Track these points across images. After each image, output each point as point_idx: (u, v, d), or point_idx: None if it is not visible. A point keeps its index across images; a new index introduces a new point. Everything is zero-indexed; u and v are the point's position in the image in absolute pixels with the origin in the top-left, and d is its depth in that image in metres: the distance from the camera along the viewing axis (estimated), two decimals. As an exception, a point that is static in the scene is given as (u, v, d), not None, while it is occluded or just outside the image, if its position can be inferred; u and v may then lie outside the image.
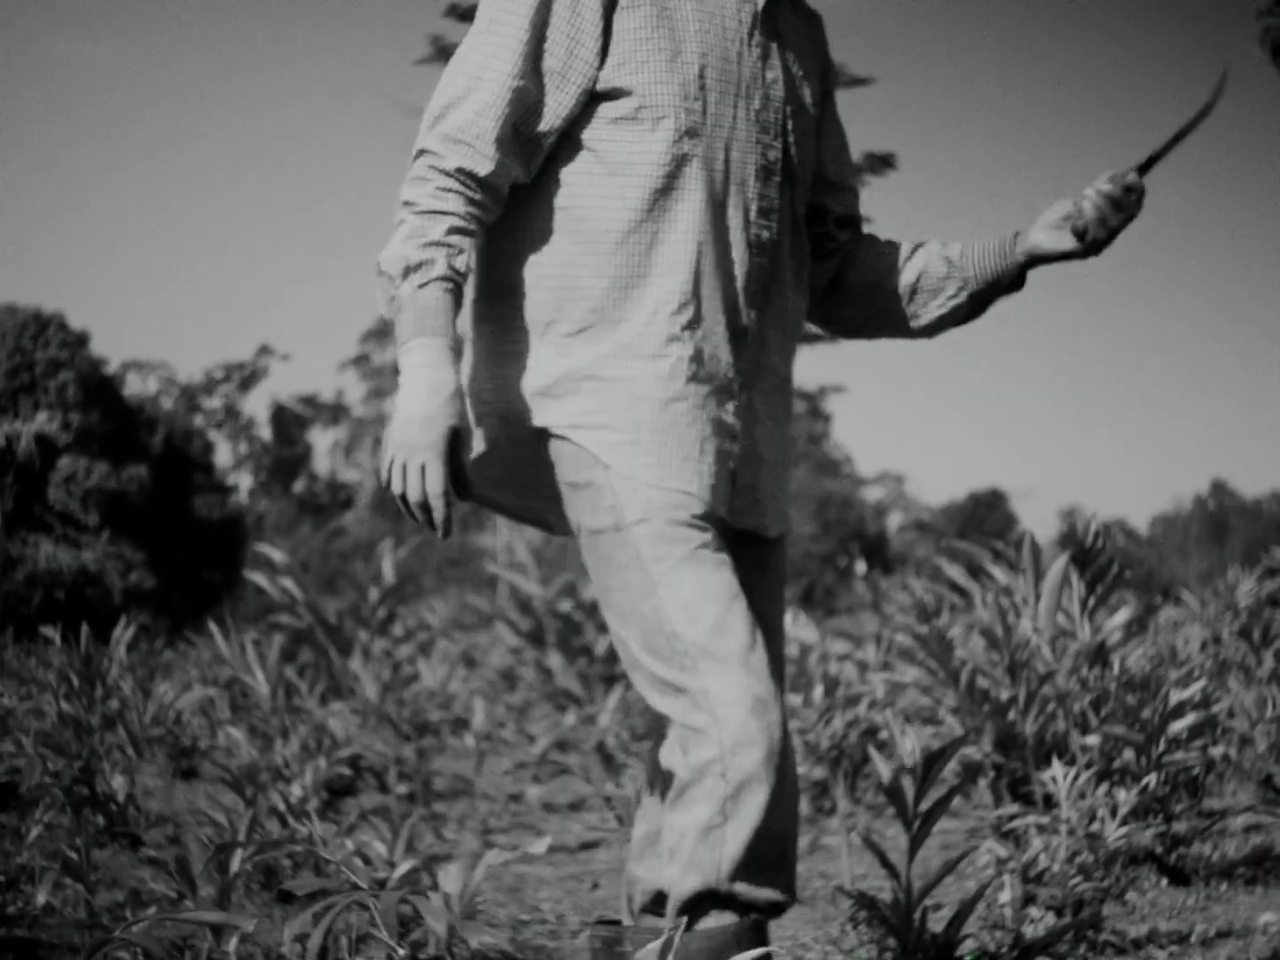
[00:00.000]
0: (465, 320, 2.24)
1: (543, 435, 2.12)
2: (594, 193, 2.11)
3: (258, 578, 7.31)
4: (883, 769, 2.81)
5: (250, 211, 79.83)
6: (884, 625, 8.11)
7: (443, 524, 2.02)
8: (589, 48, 2.09)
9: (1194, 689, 3.78)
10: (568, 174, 2.13)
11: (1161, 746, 3.73)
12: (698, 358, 2.10)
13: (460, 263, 2.06)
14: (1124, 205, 2.23)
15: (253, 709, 5.94)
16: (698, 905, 1.99)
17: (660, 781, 2.20)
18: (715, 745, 1.97)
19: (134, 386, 45.07)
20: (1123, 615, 4.13)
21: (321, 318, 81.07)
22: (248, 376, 52.62)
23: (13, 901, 3.33)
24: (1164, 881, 3.61)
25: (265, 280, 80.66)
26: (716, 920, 1.99)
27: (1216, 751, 4.31)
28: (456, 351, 2.07)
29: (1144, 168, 2.26)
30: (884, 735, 5.02)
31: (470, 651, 10.26)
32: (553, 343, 2.11)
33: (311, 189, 79.49)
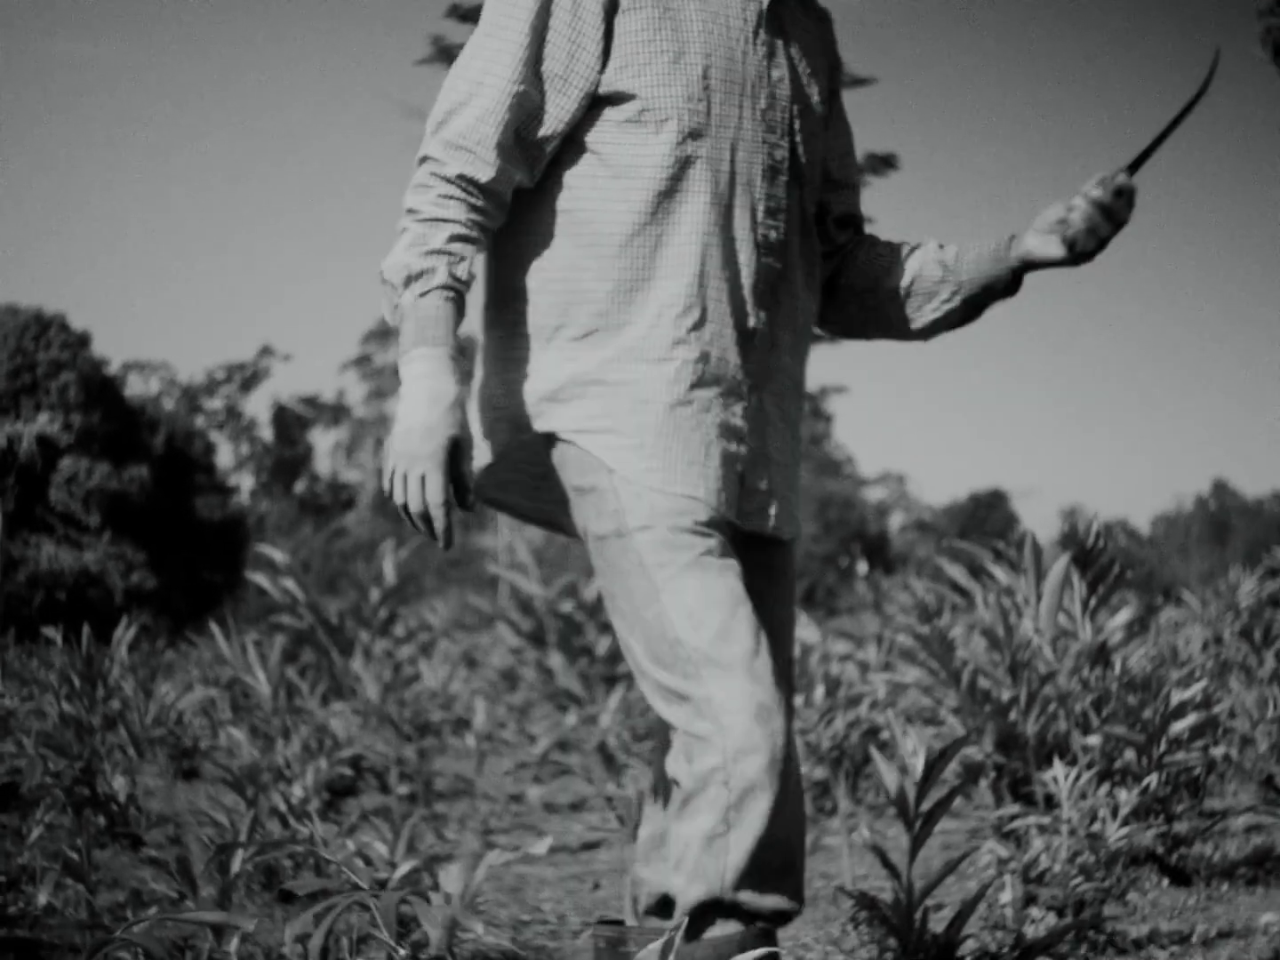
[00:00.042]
0: (476, 325, 2.25)
1: (550, 440, 2.12)
2: (597, 196, 2.10)
3: (259, 578, 7.31)
4: (884, 769, 2.81)
5: (251, 212, 79.88)
6: (885, 625, 8.11)
7: (443, 534, 2.02)
8: (590, 51, 2.08)
9: (1195, 689, 3.78)
10: (571, 177, 2.12)
11: (1163, 747, 3.73)
12: (704, 360, 2.09)
13: (462, 270, 2.06)
14: (1114, 211, 2.21)
15: (254, 709, 5.94)
16: (703, 915, 1.98)
17: (665, 785, 2.20)
18: (719, 753, 1.96)
19: (135, 387, 45.10)
20: (1124, 615, 4.13)
21: (323, 318, 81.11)
22: (249, 377, 52.63)
23: (14, 902, 3.33)
24: (1165, 882, 3.61)
25: (266, 281, 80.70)
26: (722, 929, 1.98)
27: (1218, 752, 4.31)
28: (458, 360, 2.07)
29: (1134, 166, 2.23)
30: (885, 736, 5.02)
31: (471, 652, 10.26)
32: (559, 347, 2.11)
33: (312, 189, 79.54)
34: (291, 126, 77.48)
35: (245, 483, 50.70)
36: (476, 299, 2.21)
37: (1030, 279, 2.30)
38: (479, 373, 2.22)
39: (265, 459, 52.37)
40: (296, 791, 4.23)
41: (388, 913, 2.23)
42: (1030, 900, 3.22)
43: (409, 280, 2.05)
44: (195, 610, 20.94)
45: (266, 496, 49.15)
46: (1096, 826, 3.44)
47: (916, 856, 2.77)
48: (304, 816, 3.85)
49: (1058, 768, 3.51)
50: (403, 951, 2.36)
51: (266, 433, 52.90)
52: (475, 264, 2.10)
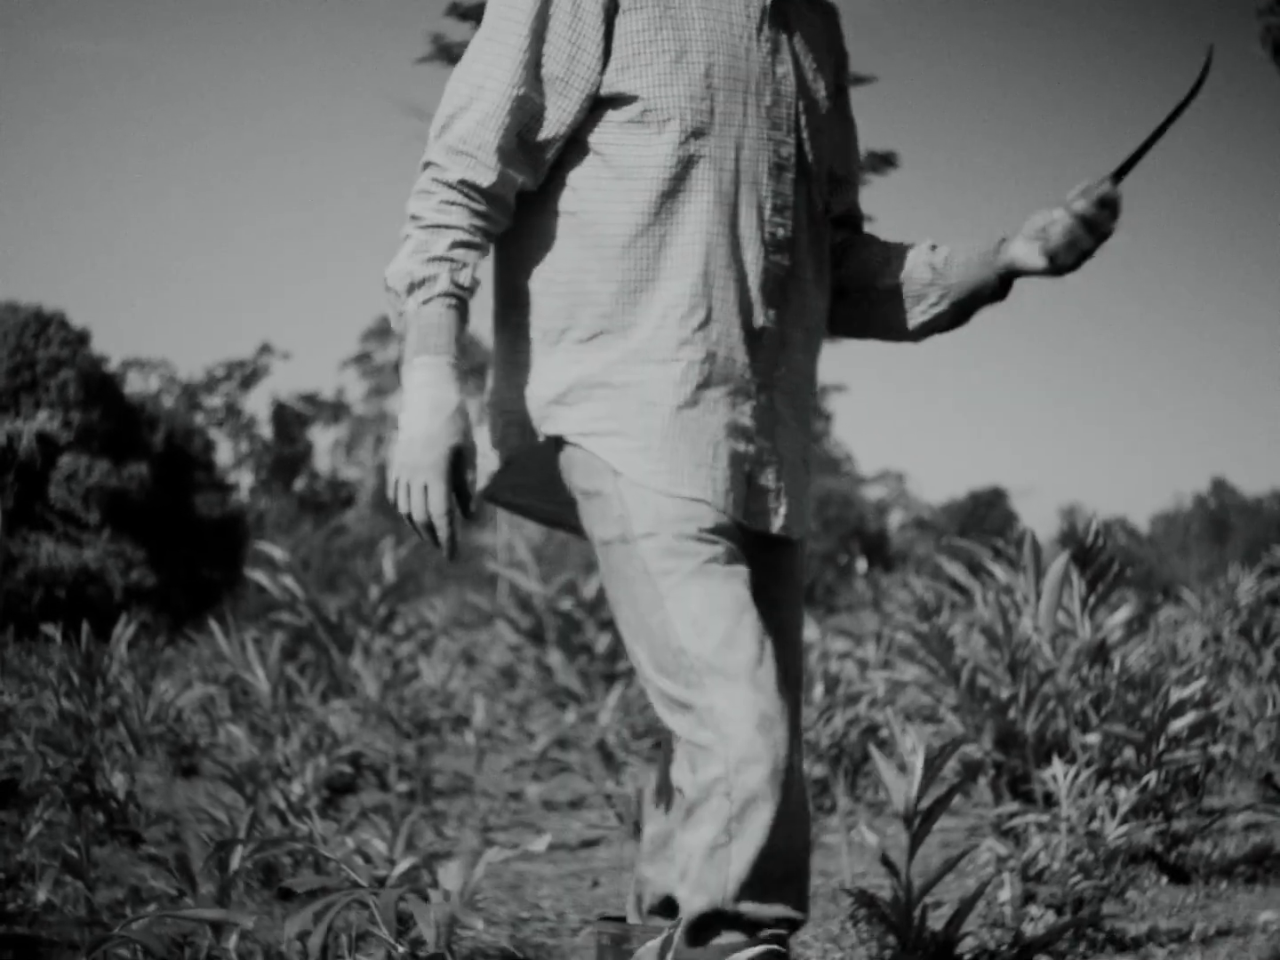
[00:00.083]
0: (486, 329, 2.24)
1: (558, 443, 2.11)
2: (601, 197, 2.09)
3: (258, 576, 7.31)
4: (883, 767, 2.81)
5: (251, 209, 79.85)
6: (884, 623, 8.11)
7: (447, 543, 2.02)
8: (591, 53, 2.07)
9: (1194, 687, 3.78)
10: (575, 179, 2.11)
11: (1162, 745, 3.73)
12: (710, 360, 2.08)
13: (464, 277, 2.05)
14: (1097, 223, 2.18)
15: (253, 707, 5.95)
16: (707, 924, 1.98)
17: (669, 788, 2.20)
18: (721, 763, 1.95)
19: (135, 385, 45.10)
20: (1123, 614, 4.13)
21: (322, 316, 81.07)
22: (249, 375, 52.62)
23: (13, 899, 3.33)
24: (1164, 880, 3.61)
25: (266, 278, 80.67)
26: (727, 939, 1.97)
27: (1217, 750, 4.31)
28: (460, 368, 2.06)
29: (1119, 174, 2.18)
30: (884, 733, 5.02)
31: (470, 649, 10.26)
32: (565, 350, 2.10)
33: (312, 187, 79.51)
34: (291, 124, 77.49)
35: (245, 480, 50.73)
36: (486, 303, 2.21)
37: (1029, 278, 2.29)
38: (490, 376, 2.22)
39: (265, 457, 52.36)
40: (296, 789, 4.23)
41: (387, 910, 2.23)
42: (1029, 898, 3.22)
43: (411, 288, 2.05)
44: (195, 608, 20.94)
45: (266, 494, 49.13)
46: (1095, 824, 3.44)
47: (915, 854, 2.77)
48: (303, 814, 3.85)
49: (1057, 766, 3.51)
50: (401, 949, 2.36)
51: (266, 430, 52.92)
52: (479, 270, 2.09)
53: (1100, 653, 3.99)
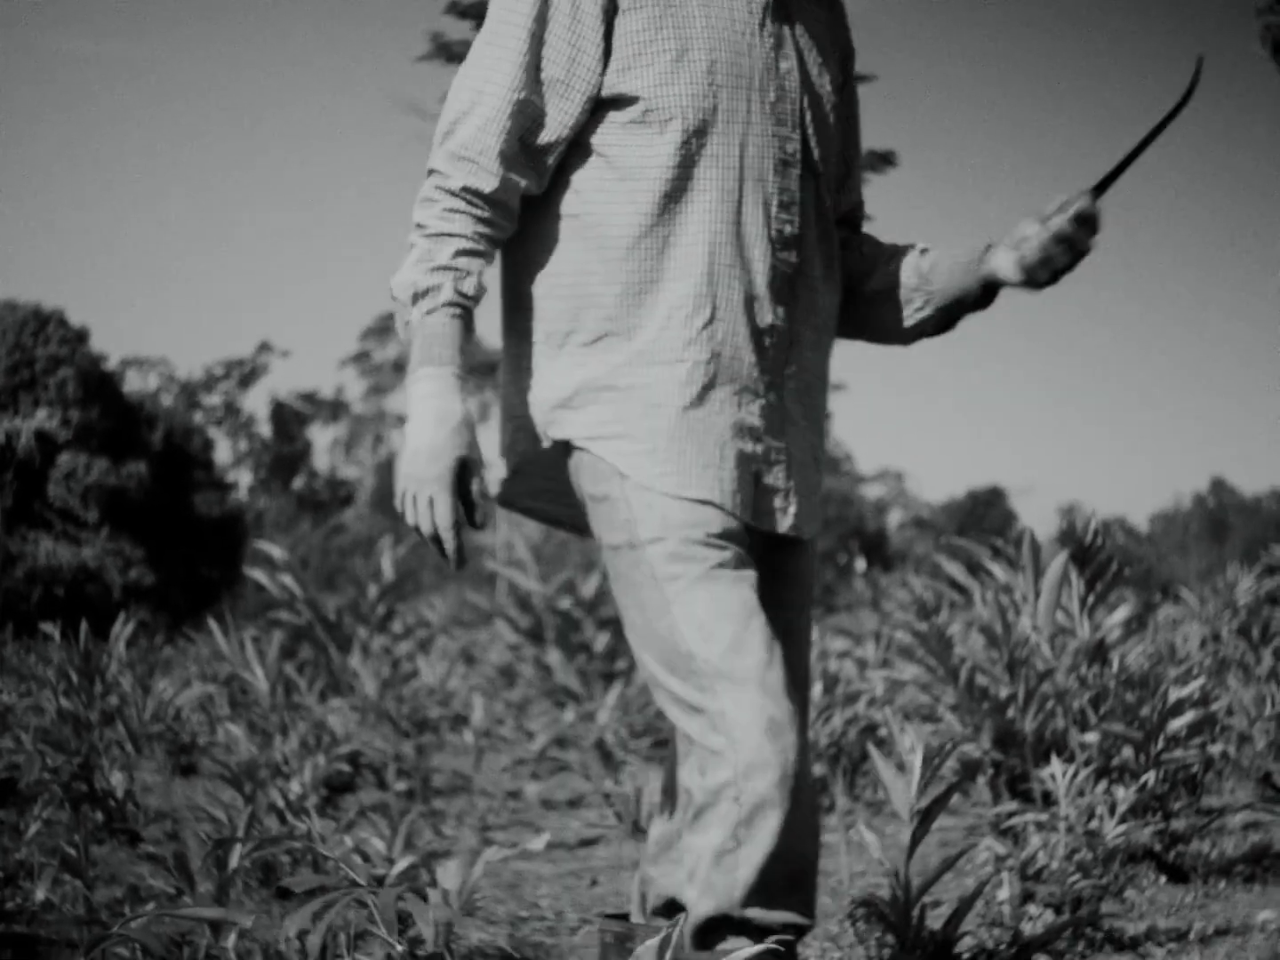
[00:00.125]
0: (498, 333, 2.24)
1: (566, 448, 2.11)
2: (604, 199, 2.09)
3: (257, 574, 7.31)
4: (882, 766, 2.81)
5: (250, 208, 79.83)
6: (883, 622, 8.12)
7: (454, 554, 2.01)
8: (591, 54, 2.06)
9: (1193, 687, 3.78)
10: (579, 181, 2.11)
11: (1160, 744, 3.73)
12: (716, 360, 2.06)
13: (468, 286, 2.05)
14: (1074, 240, 2.15)
15: (252, 706, 5.94)
16: (714, 929, 1.98)
17: (675, 789, 2.19)
18: (730, 768, 1.95)
19: (134, 383, 45.10)
20: (1122, 613, 4.13)
21: (321, 315, 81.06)
22: (247, 373, 52.61)
23: (11, 898, 3.32)
24: (1162, 879, 3.61)
25: (265, 277, 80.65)
26: (734, 943, 1.97)
27: (1215, 749, 4.31)
28: (465, 378, 2.05)
29: (1100, 188, 2.14)
30: (883, 732, 5.02)
31: (469, 648, 10.25)
32: (570, 353, 2.09)
33: (311, 186, 79.48)
34: (290, 123, 77.47)
35: (244, 479, 50.70)
36: (496, 307, 2.20)
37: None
38: (502, 381, 2.21)
39: (264, 455, 52.34)
40: (294, 788, 4.22)
41: (387, 910, 2.23)
42: (1028, 897, 3.22)
43: (416, 298, 2.05)
44: (193, 606, 20.93)
45: (265, 493, 49.11)
46: (1094, 824, 3.44)
47: (914, 854, 2.77)
48: (302, 813, 3.85)
49: (1055, 765, 3.51)
50: (400, 948, 2.35)
51: (265, 429, 52.89)
52: (485, 277, 2.08)
53: (1099, 652, 3.99)
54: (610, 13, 2.06)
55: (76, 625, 4.90)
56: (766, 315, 2.10)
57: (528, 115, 2.06)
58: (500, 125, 2.05)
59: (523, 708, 7.64)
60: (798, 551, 2.22)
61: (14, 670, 7.44)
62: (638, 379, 2.06)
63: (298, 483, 52.20)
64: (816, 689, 4.99)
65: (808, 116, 2.15)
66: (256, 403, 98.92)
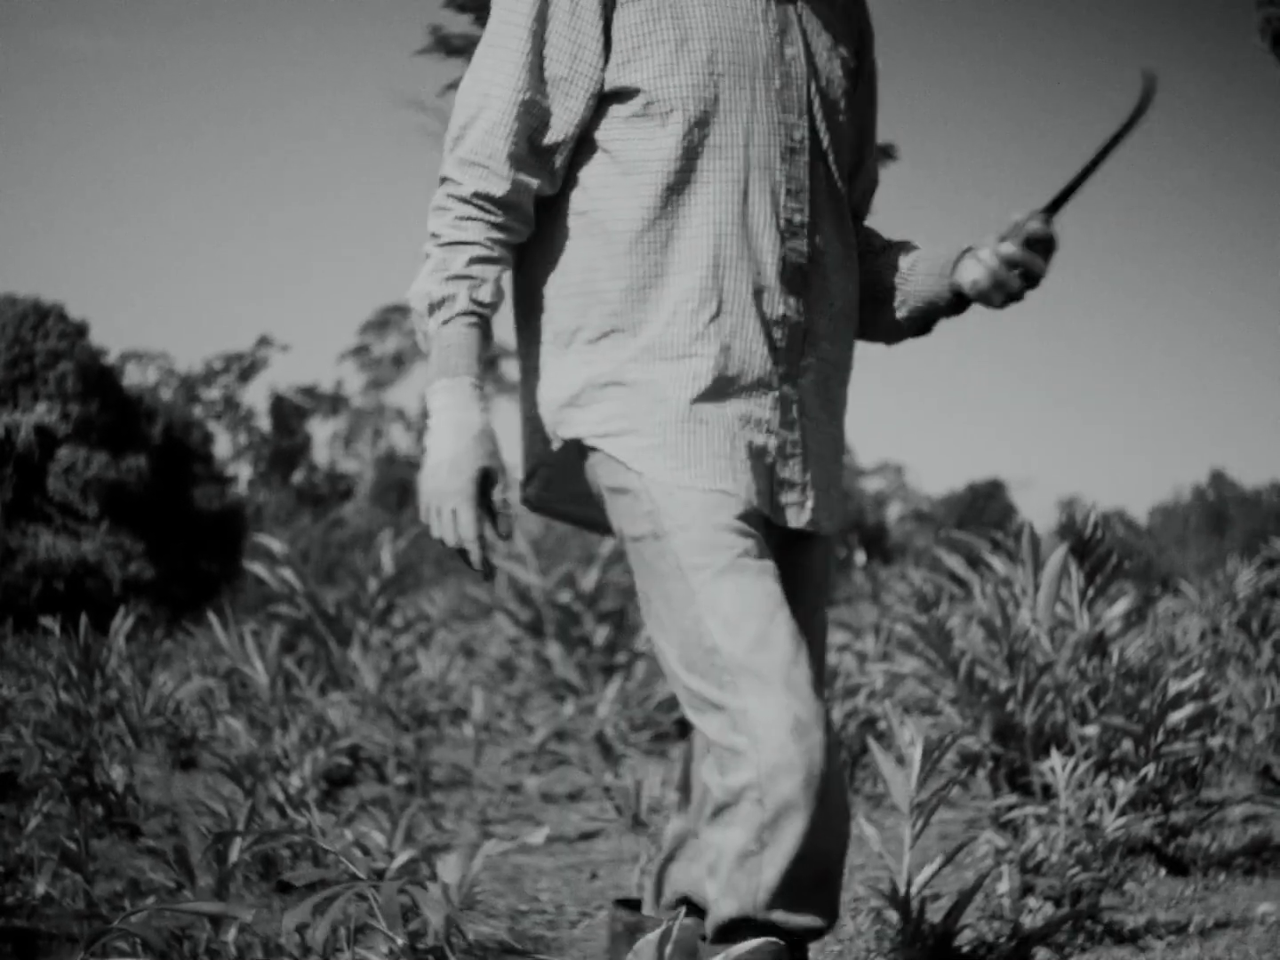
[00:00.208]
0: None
1: (579, 447, 2.09)
2: (609, 194, 2.07)
3: (257, 568, 7.31)
4: (882, 760, 2.81)
5: (250, 202, 79.75)
6: (883, 616, 8.12)
7: (481, 565, 2.00)
8: (591, 50, 2.05)
9: (1192, 680, 3.78)
10: (585, 178, 2.09)
11: (1160, 737, 3.73)
12: (725, 354, 2.04)
13: (484, 293, 2.03)
14: (1026, 264, 2.12)
15: (252, 699, 5.94)
16: (735, 929, 1.95)
17: (691, 787, 2.19)
18: (753, 768, 1.91)
19: (133, 377, 45.06)
20: (1121, 606, 4.12)
21: (321, 308, 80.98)
22: (247, 367, 52.58)
23: (12, 892, 3.33)
24: (1162, 872, 3.62)
25: (264, 271, 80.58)
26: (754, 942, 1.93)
27: (1215, 742, 4.31)
28: (483, 387, 2.04)
29: (1052, 208, 2.10)
30: (883, 726, 5.02)
31: (469, 642, 10.26)
32: (577, 351, 2.08)
33: (311, 180, 79.39)
34: (289, 117, 77.35)
35: (243, 473, 50.67)
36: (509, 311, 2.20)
37: None
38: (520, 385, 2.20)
39: (263, 449, 52.32)
40: (294, 781, 4.22)
41: (389, 903, 2.23)
42: (1027, 890, 3.23)
43: (432, 308, 2.03)
44: (193, 600, 20.93)
45: (264, 486, 49.10)
46: (1094, 816, 3.44)
47: (914, 846, 2.78)
48: (302, 806, 3.85)
49: (1055, 758, 3.51)
50: (401, 941, 2.35)
51: (264, 423, 52.86)
52: (503, 282, 2.06)
53: (1099, 645, 3.99)
54: (609, 6, 2.05)
55: (76, 619, 4.90)
56: (778, 307, 2.08)
57: (534, 115, 2.05)
58: (507, 128, 2.04)
59: (522, 701, 7.64)
60: (812, 549, 2.19)
61: (14, 664, 7.45)
62: (645, 374, 2.04)
63: (297, 477, 52.18)
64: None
65: (816, 103, 2.12)
66: (256, 396, 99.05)
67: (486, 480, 2.01)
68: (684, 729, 6.64)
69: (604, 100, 2.08)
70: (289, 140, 77.45)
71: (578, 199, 2.10)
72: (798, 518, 2.10)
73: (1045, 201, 2.12)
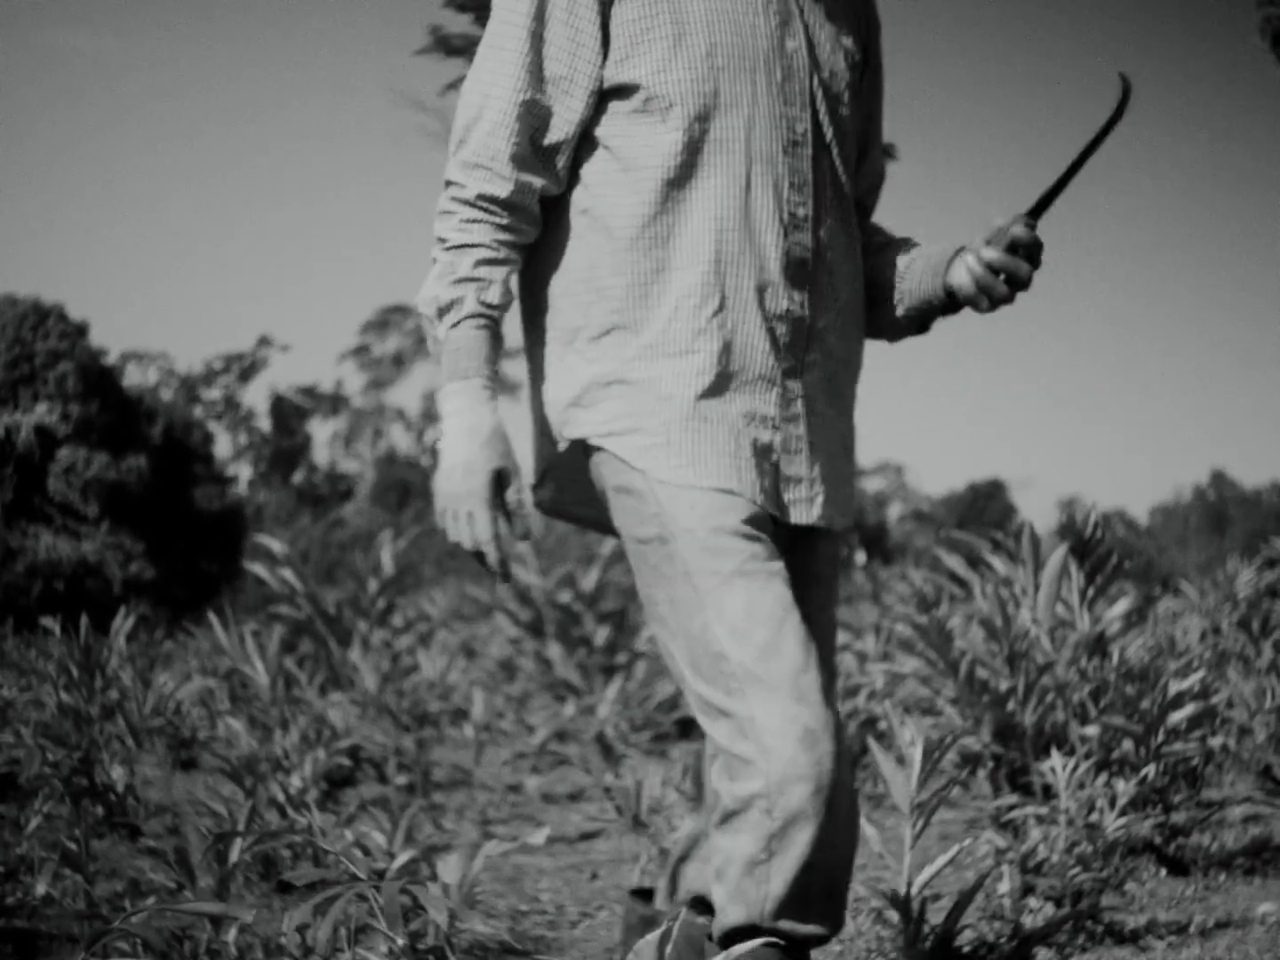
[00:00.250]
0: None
1: (584, 447, 2.09)
2: (611, 192, 2.06)
3: (257, 568, 7.31)
4: (882, 760, 2.81)
5: (250, 202, 79.74)
6: (883, 616, 8.12)
7: (498, 566, 2.00)
8: (590, 47, 2.04)
9: (1193, 680, 3.78)
10: (587, 175, 2.09)
11: (1160, 737, 3.73)
12: (728, 350, 2.03)
13: (492, 295, 2.03)
14: (1010, 269, 2.10)
15: (252, 700, 5.94)
16: (742, 935, 1.95)
17: (707, 791, 2.18)
18: (761, 778, 1.90)
19: (134, 377, 45.08)
20: (1122, 606, 4.12)
21: (321, 308, 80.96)
22: (247, 367, 52.59)
23: (12, 892, 3.33)
24: (1163, 872, 3.62)
25: (264, 271, 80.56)
26: (761, 948, 1.94)
27: (1215, 742, 4.31)
28: (494, 388, 2.03)
29: (1034, 213, 2.08)
30: (883, 726, 5.02)
31: (469, 642, 10.25)
32: (579, 350, 2.07)
33: (310, 180, 79.38)
34: (289, 116, 77.35)
35: (243, 473, 50.68)
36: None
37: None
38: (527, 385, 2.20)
39: (263, 449, 52.33)
40: (294, 782, 4.22)
41: (391, 903, 2.23)
42: (1028, 890, 3.22)
43: (440, 312, 2.03)
44: (194, 600, 20.92)
45: (265, 487, 49.11)
46: (1094, 817, 3.44)
47: (915, 846, 2.77)
48: (302, 807, 3.85)
49: (1055, 758, 3.51)
50: (401, 942, 2.35)
51: (265, 423, 52.88)
52: (510, 284, 2.05)
53: (1099, 645, 3.99)
54: (606, 3, 2.04)
55: (77, 619, 4.90)
56: (781, 301, 2.06)
57: (535, 115, 2.05)
58: (509, 128, 2.03)
59: (523, 701, 7.64)
60: (821, 546, 2.17)
61: (14, 665, 7.45)
62: (647, 372, 2.03)
63: (297, 477, 52.19)
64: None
65: (818, 95, 2.11)
66: (256, 397, 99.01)
67: (500, 481, 2.00)
68: (684, 729, 6.64)
69: (604, 97, 2.07)
70: (289, 140, 77.44)
71: (579, 196, 2.09)
72: (806, 514, 2.09)
73: (1028, 206, 2.11)
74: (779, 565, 1.99)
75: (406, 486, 45.97)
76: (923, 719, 4.59)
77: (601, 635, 7.68)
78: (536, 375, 2.14)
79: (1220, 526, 47.08)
